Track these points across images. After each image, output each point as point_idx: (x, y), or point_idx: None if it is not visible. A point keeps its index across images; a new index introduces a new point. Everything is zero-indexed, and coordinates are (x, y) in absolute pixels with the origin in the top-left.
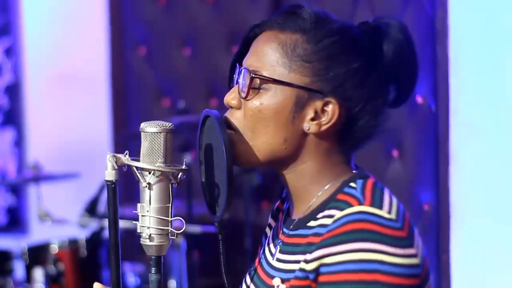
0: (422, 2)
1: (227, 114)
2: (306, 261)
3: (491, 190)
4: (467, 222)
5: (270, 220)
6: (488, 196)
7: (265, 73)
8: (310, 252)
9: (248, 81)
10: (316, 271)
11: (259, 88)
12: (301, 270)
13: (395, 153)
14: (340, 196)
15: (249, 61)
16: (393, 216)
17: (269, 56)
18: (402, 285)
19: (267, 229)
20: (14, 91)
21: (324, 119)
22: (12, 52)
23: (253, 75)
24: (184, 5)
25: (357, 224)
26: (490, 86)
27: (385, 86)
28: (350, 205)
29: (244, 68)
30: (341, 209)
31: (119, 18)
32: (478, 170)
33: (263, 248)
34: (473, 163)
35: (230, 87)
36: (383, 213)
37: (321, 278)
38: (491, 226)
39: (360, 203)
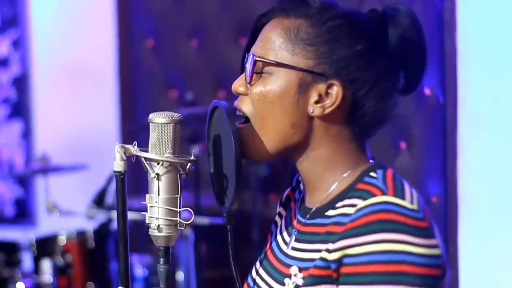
0: None
1: (237, 102)
2: (329, 251)
3: (499, 182)
4: (475, 214)
5: (280, 209)
6: (496, 187)
7: (269, 58)
8: (333, 242)
9: (252, 66)
10: (339, 261)
11: (262, 72)
12: (322, 259)
13: (403, 145)
14: (361, 186)
15: (255, 47)
16: (415, 206)
17: (273, 41)
18: (427, 275)
19: (277, 218)
20: (21, 83)
21: (328, 101)
22: (19, 44)
23: (256, 59)
24: None
25: (381, 214)
26: (498, 78)
27: (393, 71)
28: (373, 195)
29: (250, 53)
30: (364, 199)
31: (127, 10)
32: (486, 162)
33: (273, 236)
34: (480, 155)
35: None
36: (406, 203)
37: (346, 269)
38: (498, 218)
39: (384, 193)
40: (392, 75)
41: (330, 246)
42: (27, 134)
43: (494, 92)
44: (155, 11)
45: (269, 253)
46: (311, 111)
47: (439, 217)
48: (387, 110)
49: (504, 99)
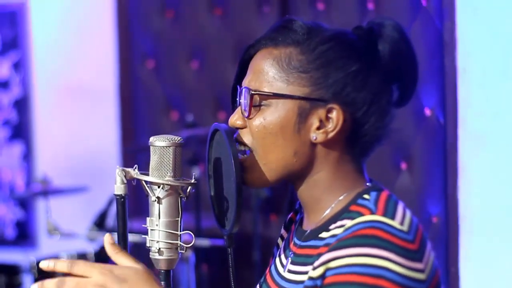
0: (430, 14)
1: (237, 136)
2: (314, 268)
3: (500, 202)
4: (476, 234)
5: (283, 231)
6: (497, 208)
7: (265, 90)
8: (318, 259)
9: (248, 100)
10: (323, 276)
11: (260, 105)
12: (310, 278)
13: (403, 165)
14: (353, 208)
15: (247, 80)
16: (405, 228)
17: (266, 72)
18: None
19: (279, 240)
20: (22, 105)
21: (329, 126)
22: (20, 66)
23: (253, 93)
24: (192, 18)
25: (367, 230)
26: (498, 98)
27: (387, 86)
28: (361, 215)
29: (244, 87)
30: (352, 219)
31: (127, 31)
32: (487, 182)
33: (274, 259)
34: (481, 175)
35: (233, 110)
36: (395, 223)
37: (326, 280)
38: (500, 238)
39: (372, 213)
40: (387, 90)
41: (316, 263)
42: (28, 156)
43: (494, 111)
44: (156, 32)
45: (268, 277)
46: (314, 138)
47: (440, 237)
48: (385, 126)
49: (504, 119)
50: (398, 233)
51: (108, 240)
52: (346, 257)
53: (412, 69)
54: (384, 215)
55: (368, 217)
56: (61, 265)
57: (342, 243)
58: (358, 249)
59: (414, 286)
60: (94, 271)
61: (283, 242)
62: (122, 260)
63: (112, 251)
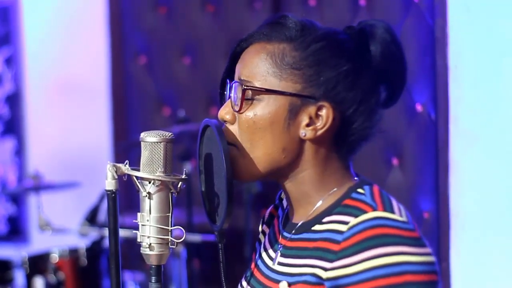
0: (422, 12)
1: (225, 128)
2: (325, 269)
3: (491, 198)
4: (467, 230)
5: (264, 227)
6: (488, 204)
7: (257, 84)
8: (330, 261)
9: (240, 94)
10: (335, 280)
11: (251, 99)
12: (315, 275)
13: (395, 161)
14: (349, 202)
15: (239, 74)
16: (405, 219)
17: (259, 67)
18: (429, 281)
19: (261, 236)
20: (14, 100)
21: (319, 124)
22: (12, 61)
23: (245, 87)
24: (184, 14)
25: (375, 229)
26: (490, 95)
27: (376, 86)
28: (364, 212)
29: (235, 81)
30: (355, 216)
31: (119, 27)
32: (478, 178)
33: (258, 253)
34: (472, 171)
35: (221, 103)
36: (397, 216)
37: None
38: (490, 234)
39: (374, 209)
40: (376, 91)
41: (327, 265)
42: (19, 152)
43: (485, 108)
44: (148, 28)
45: (255, 271)
46: (303, 134)
47: (431, 233)
48: (374, 126)
49: (495, 115)
50: (402, 225)
51: None
52: (363, 261)
53: (401, 71)
54: (385, 210)
55: (372, 214)
56: None
57: (355, 247)
58: (373, 251)
59: (433, 269)
60: None
61: (266, 237)
62: None
63: None
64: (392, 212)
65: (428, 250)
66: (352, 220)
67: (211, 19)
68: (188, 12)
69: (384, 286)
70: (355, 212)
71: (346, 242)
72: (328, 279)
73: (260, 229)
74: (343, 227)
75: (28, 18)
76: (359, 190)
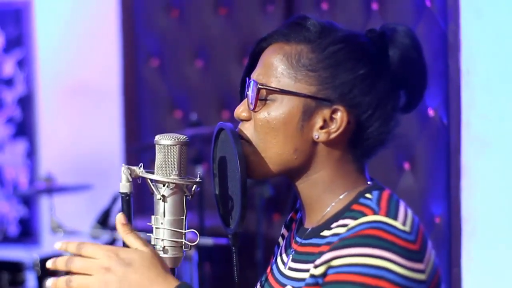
0: (435, 16)
1: (240, 127)
2: (316, 266)
3: (503, 203)
4: (478, 235)
5: (283, 230)
6: (500, 209)
7: (272, 85)
8: (320, 257)
9: (255, 93)
10: (324, 274)
11: (266, 99)
12: (311, 276)
13: (406, 166)
14: (355, 207)
15: (256, 73)
16: (407, 228)
17: (274, 67)
18: None
19: (280, 239)
20: (26, 102)
21: (333, 127)
22: (24, 64)
23: (260, 86)
24: (196, 17)
25: (369, 230)
26: (502, 99)
27: (394, 91)
28: (364, 215)
29: (252, 80)
30: (355, 219)
31: (132, 30)
32: (490, 183)
33: (275, 257)
34: (484, 176)
35: (241, 101)
36: (397, 223)
37: (327, 278)
38: (502, 239)
39: (375, 213)
40: (393, 96)
41: (317, 261)
42: (31, 154)
43: (497, 113)
44: (160, 31)
45: (269, 275)
46: (317, 137)
47: (443, 238)
48: (390, 131)
49: (507, 120)
50: (400, 233)
51: (120, 220)
52: (348, 256)
53: (421, 77)
54: (387, 215)
55: (371, 217)
56: (71, 246)
57: (344, 242)
58: (359, 249)
59: (415, 287)
60: (100, 253)
61: (284, 241)
62: (132, 241)
63: (123, 231)
64: (395, 219)
65: (419, 266)
66: (351, 223)
67: (223, 22)
68: (201, 15)
69: (359, 282)
70: (357, 215)
71: (338, 240)
72: (320, 276)
73: (281, 232)
74: (343, 230)
75: (40, 20)
76: (367, 195)
